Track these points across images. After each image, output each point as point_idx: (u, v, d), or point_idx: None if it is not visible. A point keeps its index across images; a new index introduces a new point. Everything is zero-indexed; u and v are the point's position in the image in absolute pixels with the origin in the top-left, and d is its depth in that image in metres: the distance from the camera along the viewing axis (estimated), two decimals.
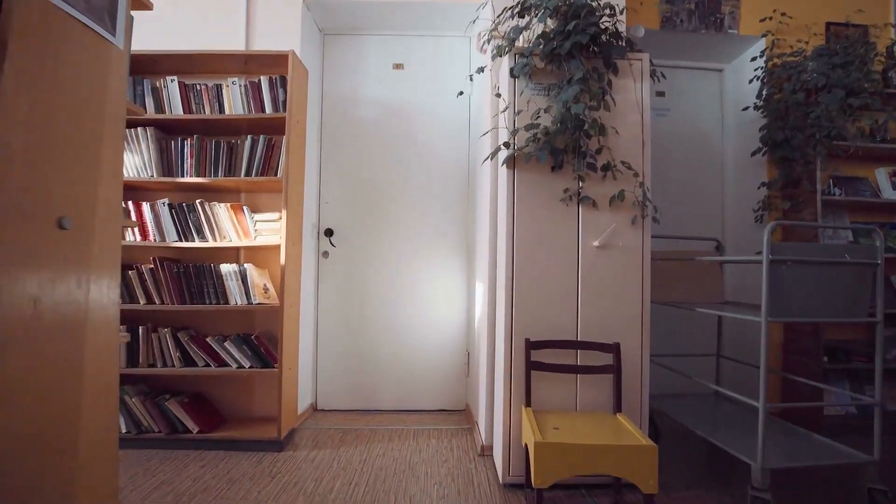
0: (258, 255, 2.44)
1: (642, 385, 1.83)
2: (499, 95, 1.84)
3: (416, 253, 2.82)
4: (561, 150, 1.79)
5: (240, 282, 2.25)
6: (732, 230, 2.96)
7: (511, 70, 1.83)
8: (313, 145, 2.75)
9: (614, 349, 1.76)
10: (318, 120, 2.82)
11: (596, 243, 1.82)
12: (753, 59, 2.73)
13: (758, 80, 2.72)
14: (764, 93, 2.66)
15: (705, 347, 2.71)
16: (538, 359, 1.77)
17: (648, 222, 1.88)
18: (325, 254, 2.80)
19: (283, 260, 2.19)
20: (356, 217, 2.82)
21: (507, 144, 1.80)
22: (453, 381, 2.79)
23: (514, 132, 1.80)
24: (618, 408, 1.74)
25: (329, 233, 2.79)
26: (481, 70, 1.97)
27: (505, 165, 1.84)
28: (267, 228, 2.27)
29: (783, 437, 1.86)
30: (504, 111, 1.85)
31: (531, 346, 1.76)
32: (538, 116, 1.78)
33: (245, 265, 2.25)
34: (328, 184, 2.83)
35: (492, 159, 1.92)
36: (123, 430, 2.17)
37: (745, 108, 2.74)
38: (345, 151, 2.83)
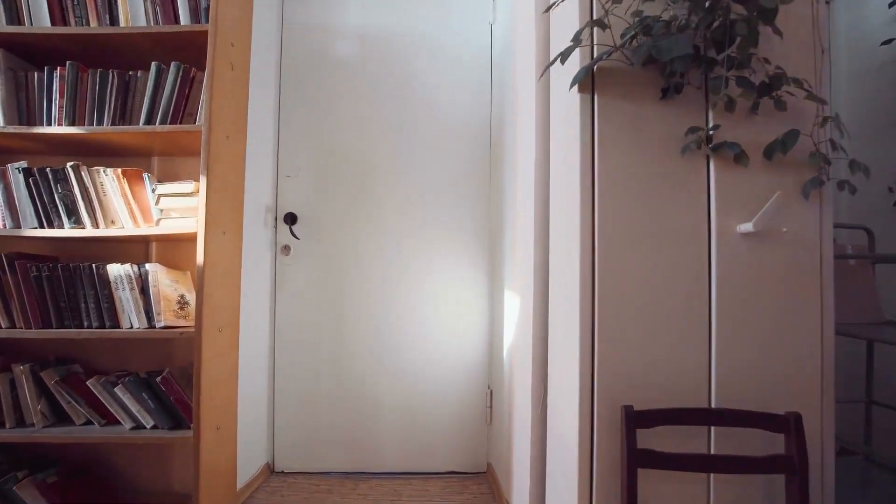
0: (176, 250, 1.62)
1: (823, 486, 1.01)
2: None
3: (415, 247, 1.99)
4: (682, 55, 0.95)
5: (137, 291, 1.42)
6: (856, 214, 2.13)
7: None
8: (268, 94, 1.92)
9: (789, 425, 0.94)
10: (275, 59, 1.98)
11: (746, 227, 1.00)
12: None
13: None
14: None
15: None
16: (649, 444, 0.94)
17: (830, 192, 1.06)
18: (286, 249, 1.97)
19: (200, 258, 1.36)
20: (330, 196, 1.99)
21: (600, 23, 0.93)
22: (470, 432, 1.96)
23: (607, 6, 0.94)
24: None
25: (291, 219, 1.95)
26: None
27: (577, 87, 1.01)
28: (178, 206, 1.44)
29: None
30: None
31: (635, 420, 0.94)
32: None
33: (147, 265, 1.43)
34: (290, 150, 1.99)
35: (563, 62, 0.99)
36: None
37: (888, 42, 1.92)
38: (314, 104, 2.00)
